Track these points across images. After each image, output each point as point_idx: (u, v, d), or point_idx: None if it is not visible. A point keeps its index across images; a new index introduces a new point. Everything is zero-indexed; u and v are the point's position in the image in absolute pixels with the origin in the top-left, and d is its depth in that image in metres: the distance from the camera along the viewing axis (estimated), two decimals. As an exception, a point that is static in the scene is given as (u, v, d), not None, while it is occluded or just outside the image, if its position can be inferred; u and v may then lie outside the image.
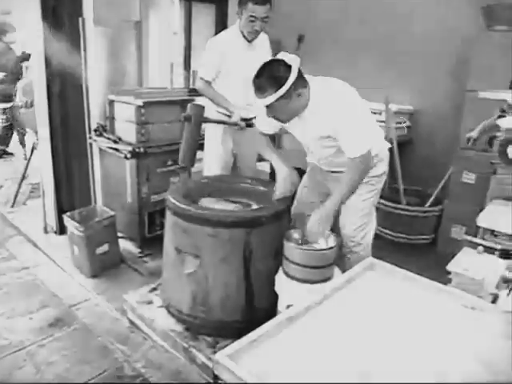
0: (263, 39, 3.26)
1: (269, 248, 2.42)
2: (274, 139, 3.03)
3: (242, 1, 2.99)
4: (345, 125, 2.20)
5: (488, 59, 3.42)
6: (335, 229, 2.54)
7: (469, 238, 2.03)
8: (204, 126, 3.19)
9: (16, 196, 4.53)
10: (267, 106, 2.20)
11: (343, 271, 2.18)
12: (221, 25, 5.19)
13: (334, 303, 1.46)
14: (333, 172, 2.58)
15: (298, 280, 2.20)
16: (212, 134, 3.32)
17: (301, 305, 1.40)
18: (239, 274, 2.39)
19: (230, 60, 3.10)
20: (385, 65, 4.38)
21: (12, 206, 4.50)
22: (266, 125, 2.55)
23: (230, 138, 3.30)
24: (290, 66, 2.12)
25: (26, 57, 5.92)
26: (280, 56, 2.19)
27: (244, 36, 3.12)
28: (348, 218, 2.58)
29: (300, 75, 2.18)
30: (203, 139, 3.31)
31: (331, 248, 2.21)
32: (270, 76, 2.12)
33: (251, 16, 2.98)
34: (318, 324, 1.36)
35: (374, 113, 4.14)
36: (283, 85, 2.08)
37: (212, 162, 3.34)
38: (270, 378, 1.13)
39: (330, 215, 2.32)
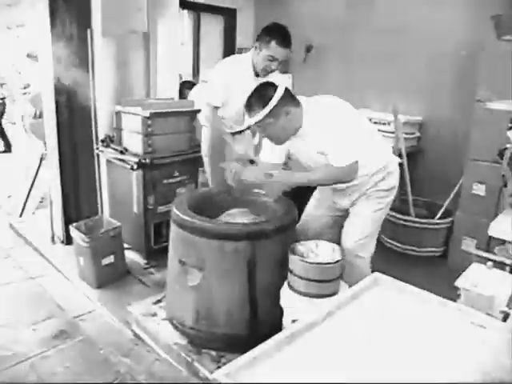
0: (276, 76, 3.05)
1: (274, 261, 2.38)
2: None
3: (264, 38, 2.84)
4: (331, 139, 2.30)
5: (498, 69, 3.38)
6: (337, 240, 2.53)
7: (478, 252, 1.97)
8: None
9: (24, 206, 4.55)
10: (258, 126, 2.36)
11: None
12: (229, 36, 5.21)
13: (337, 320, 1.42)
14: (337, 189, 2.58)
15: (303, 294, 2.16)
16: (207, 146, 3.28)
17: (303, 322, 1.37)
18: (243, 287, 2.36)
19: (235, 91, 2.93)
20: (393, 75, 4.36)
21: (20, 216, 4.52)
22: (273, 156, 2.62)
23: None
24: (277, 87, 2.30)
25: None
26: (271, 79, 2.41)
27: (255, 70, 2.98)
28: (351, 228, 2.58)
29: (289, 95, 2.33)
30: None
31: (337, 262, 2.18)
32: (258, 97, 2.30)
33: (270, 56, 2.84)
34: (320, 342, 1.32)
35: (383, 123, 4.11)
36: (269, 103, 2.24)
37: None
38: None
39: (283, 183, 2.45)
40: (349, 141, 2.33)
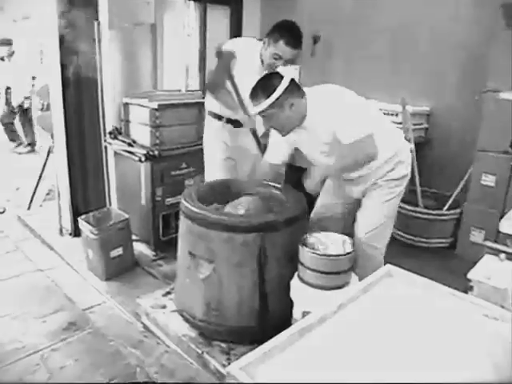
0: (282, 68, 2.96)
1: (284, 253, 2.38)
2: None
3: (274, 35, 2.75)
4: (336, 120, 2.29)
5: (507, 59, 3.34)
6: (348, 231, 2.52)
7: (490, 244, 1.95)
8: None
9: (32, 198, 4.56)
10: (262, 115, 2.36)
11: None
12: (236, 27, 5.17)
13: (349, 313, 1.41)
14: (347, 180, 2.57)
15: (314, 286, 2.15)
16: (208, 139, 3.25)
17: (315, 315, 1.36)
18: (254, 280, 2.36)
19: (239, 76, 2.88)
20: (401, 66, 4.32)
21: (28, 209, 4.53)
22: (275, 156, 2.66)
23: (225, 142, 3.19)
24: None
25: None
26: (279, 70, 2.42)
27: (262, 61, 2.89)
28: (363, 219, 2.57)
29: (295, 86, 2.33)
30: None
31: (348, 254, 2.17)
32: (263, 87, 2.30)
33: (277, 54, 2.75)
34: (332, 335, 1.31)
35: (391, 114, 4.08)
36: (273, 94, 2.24)
37: (213, 166, 3.24)
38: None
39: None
40: (356, 117, 2.32)
